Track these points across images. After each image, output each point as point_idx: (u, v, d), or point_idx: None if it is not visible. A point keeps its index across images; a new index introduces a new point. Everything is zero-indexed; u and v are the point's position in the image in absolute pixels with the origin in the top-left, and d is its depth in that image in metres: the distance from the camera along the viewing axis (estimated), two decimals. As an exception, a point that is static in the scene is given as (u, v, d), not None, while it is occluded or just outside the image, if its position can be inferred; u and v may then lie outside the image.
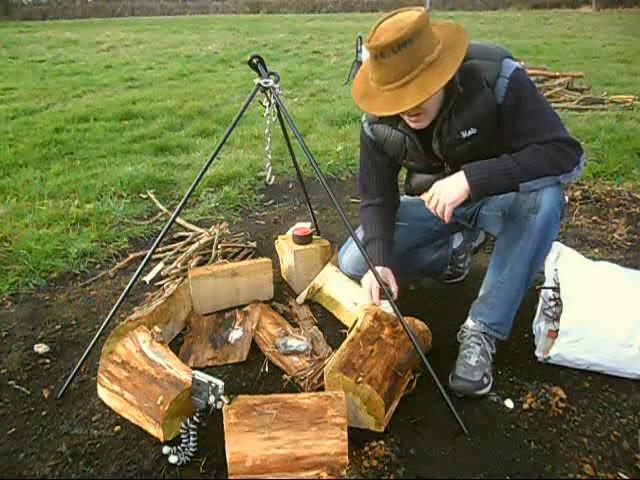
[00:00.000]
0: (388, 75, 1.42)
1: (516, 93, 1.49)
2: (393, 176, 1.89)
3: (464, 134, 1.57)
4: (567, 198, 3.00)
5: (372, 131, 1.76)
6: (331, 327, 1.97)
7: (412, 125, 1.59)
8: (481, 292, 1.73)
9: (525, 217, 1.54)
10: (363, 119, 1.80)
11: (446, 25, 1.52)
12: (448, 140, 1.60)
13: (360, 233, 1.88)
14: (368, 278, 1.75)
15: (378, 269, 1.70)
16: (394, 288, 1.73)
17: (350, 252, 1.97)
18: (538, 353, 1.73)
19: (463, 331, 1.72)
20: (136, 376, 1.51)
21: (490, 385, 1.60)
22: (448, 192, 1.50)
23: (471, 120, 1.55)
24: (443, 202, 1.50)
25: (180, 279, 2.14)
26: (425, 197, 1.58)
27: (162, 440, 1.44)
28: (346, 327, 1.93)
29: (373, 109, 1.50)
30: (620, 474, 1.33)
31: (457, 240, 2.17)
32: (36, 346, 1.90)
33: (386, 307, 1.67)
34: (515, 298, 1.63)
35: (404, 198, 2.07)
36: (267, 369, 1.76)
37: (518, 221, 1.56)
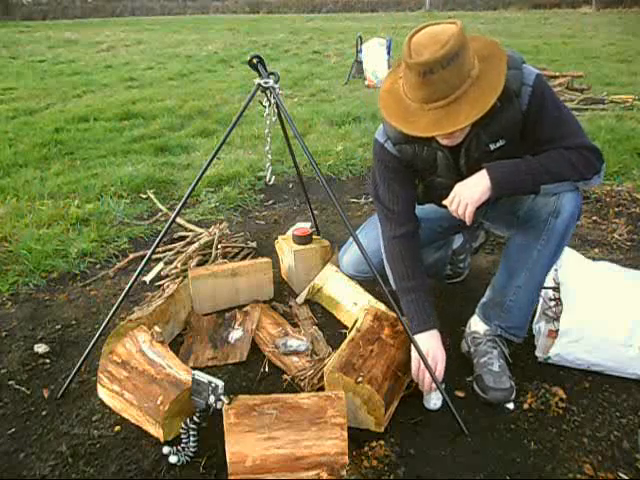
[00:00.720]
0: (436, 92, 1.32)
1: (539, 101, 1.46)
2: (414, 196, 1.75)
3: (492, 146, 1.53)
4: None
5: (400, 152, 1.62)
6: (331, 327, 1.97)
7: (445, 142, 1.52)
8: (490, 294, 1.71)
9: (545, 221, 1.53)
10: (381, 139, 1.64)
11: (477, 38, 1.46)
12: (476, 155, 1.54)
13: (389, 274, 1.73)
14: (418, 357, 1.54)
15: (427, 334, 1.57)
16: (441, 366, 1.54)
17: (350, 253, 1.97)
18: (538, 353, 1.73)
19: (475, 337, 1.70)
20: (136, 376, 1.51)
21: (515, 387, 1.59)
22: (469, 191, 1.46)
23: (500, 132, 1.50)
24: (465, 202, 1.45)
25: (180, 279, 2.14)
26: (447, 201, 1.52)
27: (162, 440, 1.44)
28: (346, 327, 1.93)
29: (421, 131, 1.37)
30: (620, 474, 1.33)
31: (457, 240, 2.17)
32: (36, 346, 1.90)
33: (435, 398, 1.54)
34: (533, 301, 1.65)
35: None
36: (267, 369, 1.76)
37: (536, 224, 1.54)
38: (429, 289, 1.68)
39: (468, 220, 1.47)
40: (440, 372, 1.54)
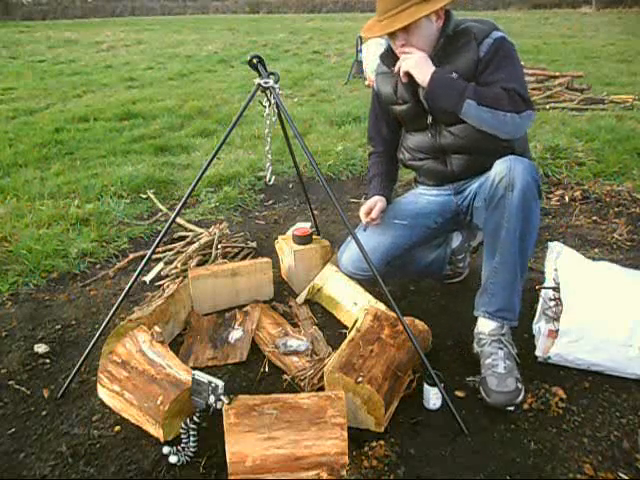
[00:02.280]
0: (387, 4, 1.67)
1: (495, 51, 1.67)
2: (393, 125, 2.02)
3: None
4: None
5: (376, 81, 1.99)
6: (331, 327, 1.97)
7: None
8: (481, 286, 1.74)
9: (502, 196, 1.58)
10: (377, 72, 1.99)
11: None
12: None
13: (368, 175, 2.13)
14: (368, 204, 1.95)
15: (374, 199, 1.96)
16: (375, 213, 1.91)
17: (350, 251, 1.98)
18: (538, 353, 1.73)
19: (480, 338, 1.69)
20: (136, 376, 1.51)
21: (524, 389, 1.56)
22: (418, 62, 1.68)
23: (454, 66, 1.70)
24: (408, 63, 1.70)
25: (180, 279, 2.14)
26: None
27: (162, 440, 1.44)
28: (346, 327, 1.93)
29: (369, 33, 1.75)
30: (620, 474, 1.33)
31: (456, 240, 2.17)
32: (36, 346, 1.90)
33: (434, 394, 1.56)
34: (512, 281, 1.63)
35: (402, 197, 2.10)
36: (267, 369, 1.76)
37: (498, 203, 1.60)
38: (390, 180, 2.07)
39: (401, 74, 1.73)
40: (376, 210, 1.91)
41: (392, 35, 1.72)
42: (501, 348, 1.63)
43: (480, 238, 2.29)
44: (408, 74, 1.72)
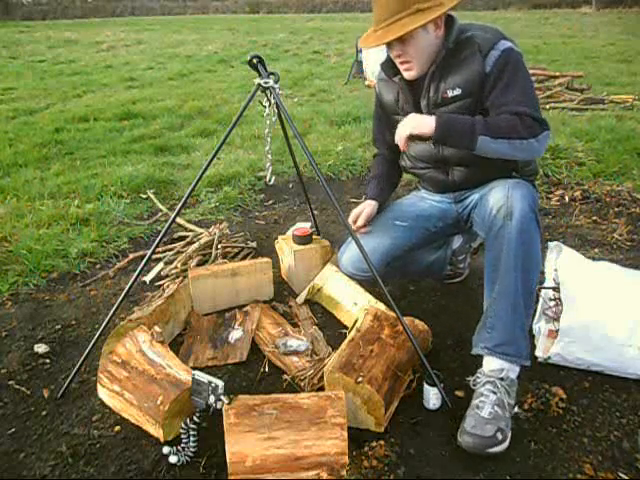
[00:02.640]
0: (381, 14, 1.62)
1: (502, 66, 1.59)
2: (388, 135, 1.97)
3: (450, 93, 1.68)
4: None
5: (378, 87, 1.95)
6: (331, 327, 1.97)
7: (404, 74, 1.73)
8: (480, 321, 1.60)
9: (502, 226, 1.51)
10: (378, 78, 1.96)
11: None
12: (434, 97, 1.71)
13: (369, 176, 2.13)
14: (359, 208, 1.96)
15: (362, 205, 1.96)
16: (361, 220, 1.91)
17: (350, 252, 1.98)
18: (538, 353, 1.73)
19: (478, 377, 1.51)
20: (136, 376, 1.51)
21: (507, 442, 1.38)
22: (414, 121, 1.64)
23: (457, 81, 1.65)
24: (405, 127, 1.65)
25: (180, 279, 2.14)
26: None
27: (162, 440, 1.44)
28: (346, 327, 1.93)
29: (365, 44, 1.70)
30: (620, 474, 1.33)
31: (457, 241, 2.17)
32: (36, 346, 1.90)
33: (434, 394, 1.53)
34: (512, 311, 1.47)
35: (404, 199, 2.09)
36: (267, 369, 1.76)
37: (497, 233, 1.52)
38: (390, 183, 2.06)
39: (400, 144, 1.69)
40: (362, 217, 1.91)
41: (388, 45, 1.67)
42: (494, 392, 1.44)
43: (481, 239, 2.29)
44: (409, 138, 1.66)
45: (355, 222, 1.92)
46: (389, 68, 1.81)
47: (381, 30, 1.63)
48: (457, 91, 1.66)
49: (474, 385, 1.51)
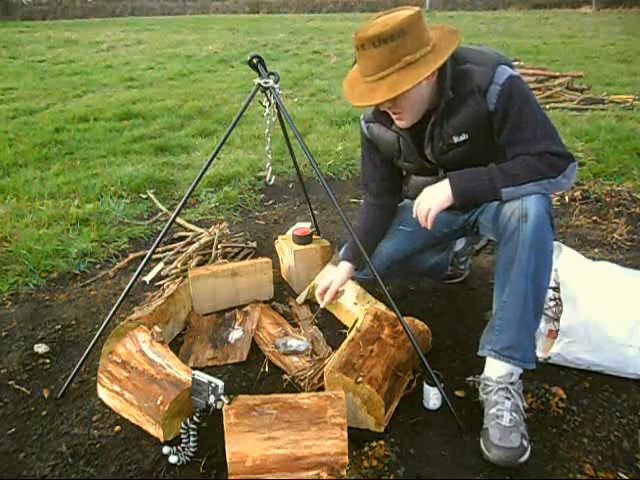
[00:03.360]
0: (366, 67, 1.45)
1: (507, 101, 1.47)
2: (392, 174, 1.88)
3: (456, 139, 1.57)
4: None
5: (368, 129, 1.78)
6: (331, 327, 1.97)
7: (397, 123, 1.61)
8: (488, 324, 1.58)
9: (516, 229, 1.46)
10: (361, 117, 1.81)
11: (440, 27, 1.53)
12: (440, 145, 1.60)
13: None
14: (328, 277, 1.89)
15: (329, 278, 1.88)
16: (328, 297, 1.84)
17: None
18: (538, 353, 1.72)
19: (486, 384, 1.49)
20: (136, 376, 1.51)
21: (529, 448, 1.37)
22: (432, 198, 1.52)
23: (462, 126, 1.54)
24: (427, 207, 1.52)
25: (180, 279, 2.14)
26: (415, 204, 1.58)
27: (162, 440, 1.44)
28: (346, 327, 1.93)
29: (350, 97, 1.52)
30: (620, 474, 1.33)
31: (460, 243, 2.16)
32: (36, 346, 1.90)
33: (434, 394, 1.54)
34: (521, 316, 1.45)
35: (409, 203, 2.02)
36: (267, 369, 1.76)
37: (510, 235, 1.48)
38: (373, 240, 1.90)
39: (429, 225, 1.53)
40: (328, 294, 1.84)
41: None
42: (508, 398, 1.43)
43: (484, 242, 2.28)
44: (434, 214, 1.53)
45: (323, 296, 1.86)
46: (384, 115, 1.64)
47: (366, 85, 1.46)
48: (464, 136, 1.56)
49: (485, 393, 1.49)
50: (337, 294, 1.88)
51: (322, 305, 1.88)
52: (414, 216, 1.56)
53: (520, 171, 1.46)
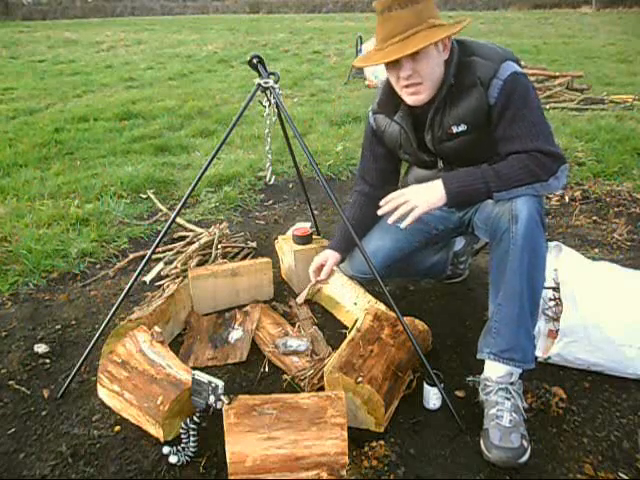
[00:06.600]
0: (393, 29, 1.47)
1: (508, 96, 1.49)
2: (391, 168, 1.91)
3: (455, 129, 1.60)
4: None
5: (375, 120, 1.81)
6: (331, 327, 1.97)
7: (410, 100, 1.58)
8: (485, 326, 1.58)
9: (506, 230, 1.46)
10: (369, 109, 1.85)
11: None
12: (439, 133, 1.63)
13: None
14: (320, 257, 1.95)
15: (325, 253, 1.95)
16: (324, 273, 1.92)
17: (350, 254, 1.97)
18: (538, 353, 1.73)
19: (486, 384, 1.50)
20: (136, 376, 1.51)
21: (530, 448, 1.38)
22: (423, 196, 1.51)
23: (462, 116, 1.57)
24: (414, 205, 1.51)
25: (180, 279, 2.14)
26: (394, 193, 1.56)
27: (162, 440, 1.44)
28: (346, 327, 1.93)
29: (368, 61, 1.54)
30: (620, 474, 1.33)
31: (459, 243, 2.16)
32: (36, 346, 1.90)
33: (434, 394, 1.54)
34: (517, 316, 1.45)
35: None
36: (267, 369, 1.76)
37: (502, 237, 1.48)
38: (362, 231, 1.89)
39: (407, 223, 1.52)
40: (324, 271, 1.91)
41: (395, 65, 1.51)
42: (508, 399, 1.44)
43: (483, 241, 2.29)
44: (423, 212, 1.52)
45: (318, 273, 1.91)
46: (388, 105, 1.71)
47: (391, 47, 1.47)
48: (462, 127, 1.58)
49: (485, 394, 1.49)
50: (332, 272, 1.94)
51: (313, 281, 1.94)
52: (392, 206, 1.54)
53: (510, 175, 1.47)
